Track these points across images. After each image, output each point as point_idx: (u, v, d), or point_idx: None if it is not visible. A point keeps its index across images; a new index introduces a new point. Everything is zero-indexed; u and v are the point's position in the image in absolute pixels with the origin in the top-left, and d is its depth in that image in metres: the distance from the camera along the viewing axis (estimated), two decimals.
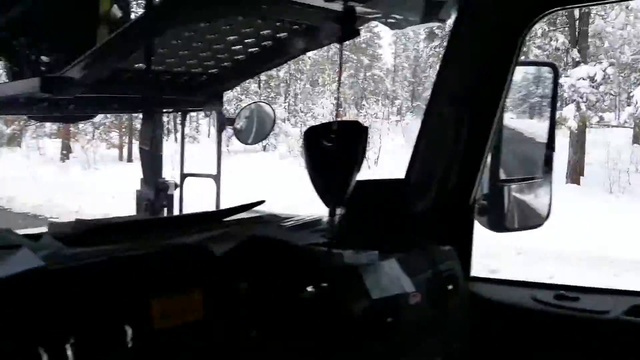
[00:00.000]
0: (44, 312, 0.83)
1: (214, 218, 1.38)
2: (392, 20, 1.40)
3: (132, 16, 1.42)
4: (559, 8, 1.43)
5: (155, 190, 2.08)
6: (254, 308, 1.04)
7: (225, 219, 1.34)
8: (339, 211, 1.39)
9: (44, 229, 1.14)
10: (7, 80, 1.46)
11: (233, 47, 1.50)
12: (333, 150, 0.92)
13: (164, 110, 1.90)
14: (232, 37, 1.44)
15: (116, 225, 1.24)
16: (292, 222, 1.40)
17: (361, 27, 1.45)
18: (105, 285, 0.92)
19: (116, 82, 1.45)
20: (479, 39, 1.41)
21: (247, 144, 2.08)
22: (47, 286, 0.86)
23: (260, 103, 2.12)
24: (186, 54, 1.50)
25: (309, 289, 1.02)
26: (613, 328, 1.33)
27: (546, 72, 1.61)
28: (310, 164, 0.93)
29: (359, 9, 1.28)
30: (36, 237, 1.06)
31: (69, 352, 0.79)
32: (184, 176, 2.25)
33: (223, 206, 1.50)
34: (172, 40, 1.38)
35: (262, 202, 1.43)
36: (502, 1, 1.38)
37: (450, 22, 1.45)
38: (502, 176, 1.61)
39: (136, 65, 1.42)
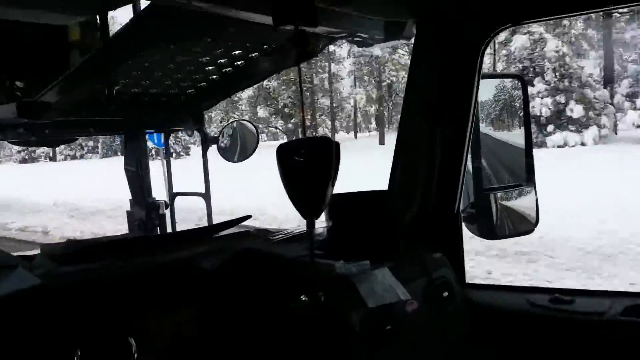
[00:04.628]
0: (41, 329, 0.86)
1: (203, 235, 1.40)
2: (359, 39, 1.41)
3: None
4: (513, 25, 1.43)
5: (145, 210, 2.09)
6: (250, 321, 1.06)
7: (214, 235, 1.35)
8: (320, 224, 1.38)
9: (36, 251, 1.18)
10: None
11: (207, 68, 1.52)
12: (304, 165, 0.93)
13: (146, 130, 1.91)
14: (204, 59, 1.45)
15: (107, 244, 1.28)
16: (280, 235, 1.40)
17: (328, 45, 1.46)
18: (100, 302, 0.95)
19: (94, 105, 1.46)
20: (440, 53, 1.41)
21: (232, 161, 2.07)
22: (43, 303, 0.90)
23: (243, 121, 2.11)
24: (160, 75, 1.51)
25: (303, 298, 1.04)
26: (610, 329, 1.30)
27: (514, 83, 1.61)
28: (284, 179, 0.94)
29: (325, 28, 1.29)
30: (30, 258, 1.11)
31: None
32: (173, 195, 2.26)
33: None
34: (144, 62, 1.39)
35: (248, 217, 1.43)
36: (461, 16, 1.39)
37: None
38: (486, 185, 1.60)
39: (114, 88, 1.43)
